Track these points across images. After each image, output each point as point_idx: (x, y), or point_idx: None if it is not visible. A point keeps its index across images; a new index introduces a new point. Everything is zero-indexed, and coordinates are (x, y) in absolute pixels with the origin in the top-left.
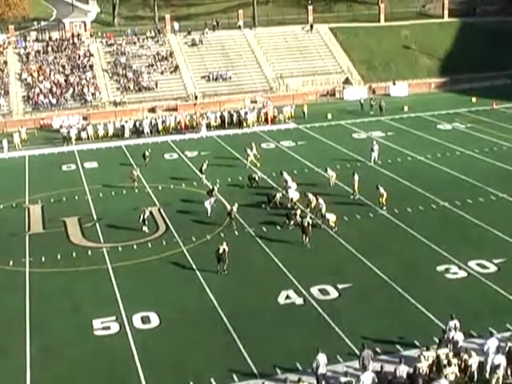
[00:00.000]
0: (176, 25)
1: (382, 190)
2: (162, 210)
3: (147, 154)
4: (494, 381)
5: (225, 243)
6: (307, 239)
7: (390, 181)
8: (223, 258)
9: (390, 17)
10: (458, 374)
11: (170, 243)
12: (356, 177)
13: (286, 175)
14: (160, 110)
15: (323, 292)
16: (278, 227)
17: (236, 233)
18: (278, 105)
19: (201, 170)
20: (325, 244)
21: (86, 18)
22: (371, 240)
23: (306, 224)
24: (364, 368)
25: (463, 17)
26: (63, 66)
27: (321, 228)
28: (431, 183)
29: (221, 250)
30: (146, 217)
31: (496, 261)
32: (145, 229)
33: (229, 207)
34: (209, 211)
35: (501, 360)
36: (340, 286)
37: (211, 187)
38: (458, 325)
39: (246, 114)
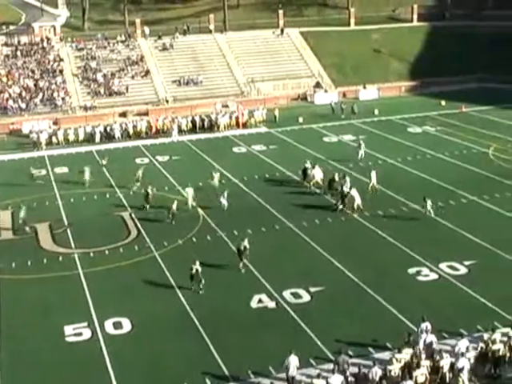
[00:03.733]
0: (147, 29)
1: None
2: (133, 215)
3: (104, 162)
4: None
5: (197, 262)
6: (241, 264)
7: (361, 184)
8: (197, 278)
9: (361, 21)
10: (429, 376)
11: (141, 248)
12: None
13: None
14: (131, 114)
15: (295, 295)
16: (250, 231)
17: (208, 237)
18: (250, 109)
19: (137, 179)
20: (297, 248)
21: (56, 22)
22: (343, 243)
23: (242, 248)
24: (342, 373)
25: (432, 21)
26: (33, 71)
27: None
28: (402, 186)
29: (193, 271)
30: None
31: (466, 263)
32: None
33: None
34: (225, 205)
35: (464, 363)
36: (312, 290)
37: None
38: (429, 327)
39: (217, 118)
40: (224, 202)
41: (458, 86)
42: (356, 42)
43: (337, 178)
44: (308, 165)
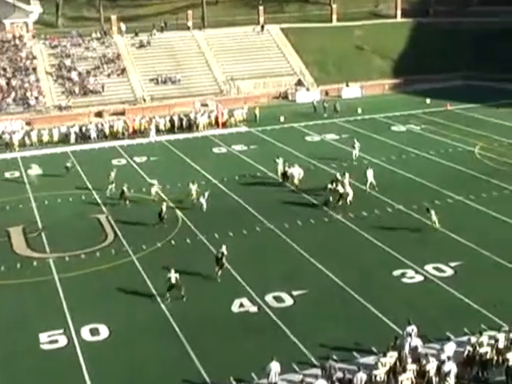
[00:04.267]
0: (123, 26)
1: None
2: (110, 218)
3: (69, 165)
4: None
5: (173, 270)
6: (220, 271)
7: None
8: (179, 286)
9: (343, 17)
10: (415, 381)
11: (119, 252)
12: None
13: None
14: (107, 114)
15: (278, 299)
16: (231, 233)
17: (188, 240)
18: (230, 108)
19: (122, 196)
20: (279, 250)
21: (28, 18)
22: (326, 245)
23: (219, 255)
24: (327, 378)
25: (416, 17)
26: (4, 69)
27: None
28: (387, 186)
29: (173, 280)
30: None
31: (452, 264)
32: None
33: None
34: (204, 206)
35: (451, 367)
36: (295, 293)
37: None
38: (415, 330)
39: (196, 117)
40: (203, 202)
41: (442, 84)
42: (338, 38)
43: (340, 178)
44: (279, 160)
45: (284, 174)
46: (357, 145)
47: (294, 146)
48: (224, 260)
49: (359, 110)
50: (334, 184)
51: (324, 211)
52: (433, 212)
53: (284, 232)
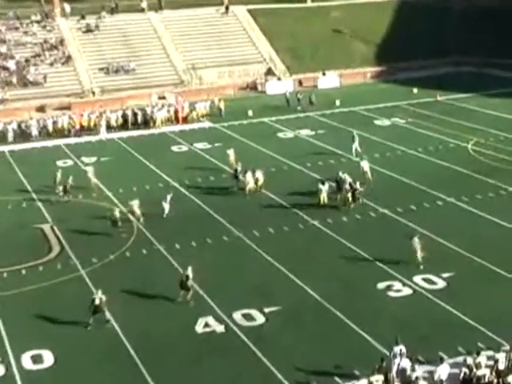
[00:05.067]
0: (67, 7)
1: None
2: (55, 228)
3: None
4: None
5: (100, 291)
6: (189, 295)
7: (309, 179)
8: (101, 309)
9: None
10: None
11: (66, 266)
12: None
13: None
14: (50, 108)
15: (247, 317)
16: (194, 243)
17: (144, 251)
18: (191, 101)
19: (54, 181)
20: (248, 261)
21: None
22: (302, 255)
23: (184, 278)
24: None
25: None
26: None
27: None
28: (369, 188)
29: (97, 301)
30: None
31: (444, 275)
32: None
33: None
34: (166, 211)
35: None
36: (267, 310)
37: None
38: (404, 350)
39: (152, 112)
40: (166, 206)
41: (431, 71)
42: (313, 21)
43: (342, 176)
44: (230, 152)
45: (236, 176)
46: (356, 139)
47: (265, 144)
48: (190, 283)
49: (337, 102)
50: (349, 184)
51: (299, 217)
52: (416, 240)
53: (254, 241)
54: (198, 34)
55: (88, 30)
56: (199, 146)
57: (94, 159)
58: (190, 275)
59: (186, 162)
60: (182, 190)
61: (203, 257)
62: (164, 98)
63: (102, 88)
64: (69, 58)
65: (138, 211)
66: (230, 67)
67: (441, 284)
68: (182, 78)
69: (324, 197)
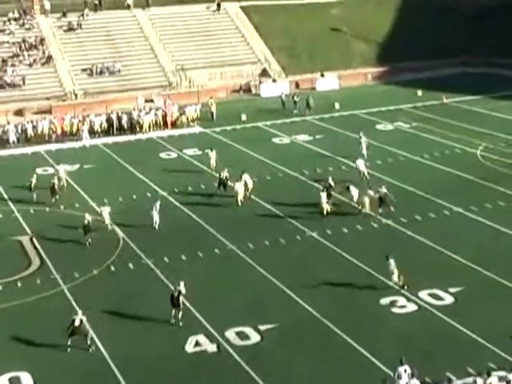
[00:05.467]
0: (47, 3)
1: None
2: (34, 240)
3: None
4: None
5: (80, 312)
6: (180, 314)
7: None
8: (82, 332)
9: None
10: None
11: (46, 282)
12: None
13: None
14: (29, 112)
15: (241, 336)
16: (184, 256)
17: (131, 265)
18: (180, 104)
19: (29, 187)
20: (242, 276)
21: None
22: (300, 268)
23: (176, 294)
24: None
25: None
26: None
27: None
28: (367, 188)
29: (77, 322)
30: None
31: (452, 290)
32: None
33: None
34: (157, 222)
35: None
36: (262, 328)
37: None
38: (408, 371)
39: (139, 116)
40: (156, 216)
41: (437, 72)
42: (311, 18)
43: (333, 184)
44: (212, 154)
45: (223, 184)
46: (363, 140)
47: (259, 150)
48: (182, 300)
49: (337, 106)
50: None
51: (296, 227)
52: (392, 262)
53: (248, 254)
54: (187, 33)
55: (70, 29)
56: (189, 152)
57: (76, 166)
58: (183, 291)
59: (175, 169)
60: (171, 199)
61: (194, 271)
62: (151, 101)
63: (84, 90)
64: (49, 58)
65: (107, 219)
66: (221, 68)
67: (448, 299)
68: (171, 80)
69: (326, 206)
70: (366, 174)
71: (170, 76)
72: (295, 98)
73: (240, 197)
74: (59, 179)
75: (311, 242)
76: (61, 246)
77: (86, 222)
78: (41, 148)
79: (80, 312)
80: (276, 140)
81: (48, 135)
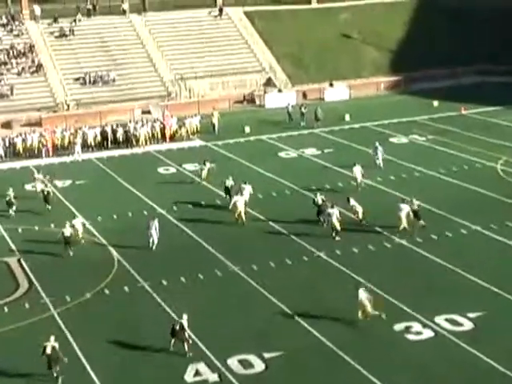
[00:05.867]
0: (37, 9)
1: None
2: (22, 261)
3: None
4: None
5: (53, 338)
6: (186, 346)
7: (387, 199)
8: (54, 359)
9: None
10: None
11: (35, 306)
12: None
13: None
14: (18, 124)
15: (245, 364)
16: (183, 278)
17: (126, 288)
18: (179, 115)
19: (8, 203)
20: (246, 300)
21: None
22: (307, 292)
23: (177, 327)
24: None
25: None
26: None
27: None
28: (383, 214)
29: (48, 350)
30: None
31: (471, 315)
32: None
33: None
34: (155, 241)
35: None
36: (267, 355)
37: None
38: None
39: (135, 128)
40: (154, 235)
41: (455, 81)
42: (319, 24)
43: (320, 201)
44: (206, 166)
45: (229, 193)
46: (380, 150)
47: (264, 164)
48: (187, 334)
49: (347, 117)
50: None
51: (303, 247)
52: (363, 293)
53: (252, 276)
54: (187, 40)
55: (61, 35)
56: (189, 167)
57: (68, 182)
58: (185, 324)
59: (174, 185)
60: (170, 217)
61: (194, 294)
62: (148, 112)
63: (77, 101)
64: (39, 66)
65: (80, 232)
66: (223, 77)
67: (467, 325)
68: (169, 90)
69: (334, 222)
70: (359, 181)
71: (168, 86)
72: (302, 110)
73: (241, 212)
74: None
75: (319, 262)
76: (51, 268)
77: (66, 233)
78: (30, 162)
79: (52, 338)
80: (282, 154)
81: (38, 149)
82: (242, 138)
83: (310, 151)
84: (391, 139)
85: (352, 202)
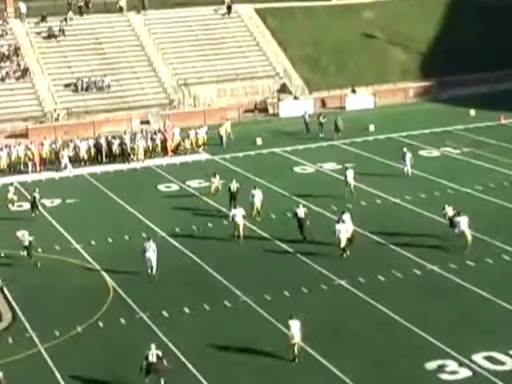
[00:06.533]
0: (22, 6)
1: None
2: (5, 289)
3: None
4: None
5: (1, 373)
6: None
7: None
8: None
9: None
10: None
11: (19, 340)
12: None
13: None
14: (1, 136)
15: None
16: (187, 309)
17: (122, 320)
18: (183, 126)
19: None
20: (257, 336)
21: None
22: (328, 325)
23: (154, 359)
24: None
25: None
26: None
27: None
28: (413, 237)
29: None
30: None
31: None
32: None
33: None
34: (154, 266)
35: None
36: None
37: None
38: None
39: (133, 140)
40: (153, 258)
41: (493, 87)
42: (339, 23)
43: (302, 214)
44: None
45: (234, 198)
46: (408, 156)
47: (277, 181)
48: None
49: (371, 128)
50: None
51: (321, 274)
52: (293, 325)
53: (265, 307)
54: (191, 41)
55: (50, 36)
56: (193, 184)
57: (57, 201)
58: (158, 354)
59: (176, 204)
60: (172, 240)
61: (199, 328)
62: (148, 122)
63: (68, 110)
64: (25, 71)
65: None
66: (232, 83)
67: (509, 364)
68: (172, 98)
69: (341, 238)
70: (352, 186)
71: (170, 93)
72: (321, 119)
73: (240, 227)
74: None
75: (340, 292)
76: (37, 297)
77: (26, 242)
78: (14, 178)
79: (1, 373)
80: (298, 169)
81: (23, 163)
82: (252, 150)
83: (329, 166)
84: (421, 152)
85: (345, 217)
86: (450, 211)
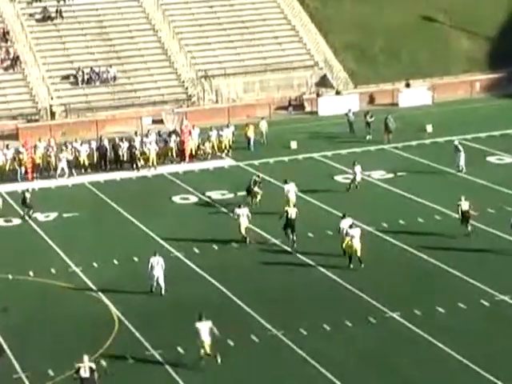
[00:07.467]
0: None
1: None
2: None
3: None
4: None
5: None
6: None
7: (402, 254)
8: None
9: None
10: None
11: (6, 381)
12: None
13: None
14: None
15: None
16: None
17: (129, 359)
18: (203, 126)
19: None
20: (291, 376)
21: None
22: (374, 367)
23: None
24: None
25: None
26: None
27: None
28: (477, 262)
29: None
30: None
31: None
32: None
33: None
34: (162, 285)
35: None
36: None
37: None
38: None
39: (143, 143)
40: (161, 276)
41: None
42: (391, 4)
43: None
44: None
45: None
46: (461, 149)
47: (315, 192)
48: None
49: (429, 129)
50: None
51: (369, 305)
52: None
53: (300, 343)
54: (213, 26)
55: (45, 18)
56: (215, 195)
57: (53, 215)
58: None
59: (194, 219)
60: (189, 262)
61: (221, 367)
62: (161, 121)
63: (66, 106)
64: (16, 59)
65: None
66: (262, 75)
67: None
68: (190, 92)
69: (352, 245)
70: (358, 181)
71: (188, 86)
72: (368, 119)
73: (243, 228)
74: None
75: (392, 326)
76: (28, 330)
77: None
78: (2, 188)
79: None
80: (339, 178)
81: (13, 170)
82: (286, 155)
83: (377, 174)
84: (489, 158)
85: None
86: (465, 205)
